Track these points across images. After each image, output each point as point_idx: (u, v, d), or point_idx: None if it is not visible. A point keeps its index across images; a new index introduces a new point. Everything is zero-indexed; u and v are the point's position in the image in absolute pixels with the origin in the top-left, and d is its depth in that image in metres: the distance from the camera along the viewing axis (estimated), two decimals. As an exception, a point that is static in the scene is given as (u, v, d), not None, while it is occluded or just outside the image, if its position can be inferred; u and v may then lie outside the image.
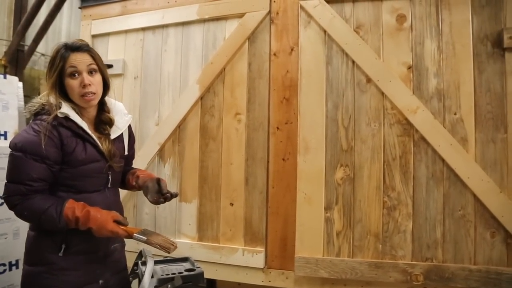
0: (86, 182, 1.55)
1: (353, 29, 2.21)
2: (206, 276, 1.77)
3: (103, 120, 1.64)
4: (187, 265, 1.77)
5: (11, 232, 2.81)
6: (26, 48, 5.13)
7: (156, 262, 1.72)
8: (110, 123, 1.65)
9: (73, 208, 1.43)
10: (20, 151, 1.42)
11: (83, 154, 1.51)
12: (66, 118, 1.47)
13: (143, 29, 2.71)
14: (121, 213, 1.68)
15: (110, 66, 2.72)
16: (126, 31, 2.76)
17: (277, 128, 2.34)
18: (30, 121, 1.52)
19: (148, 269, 1.66)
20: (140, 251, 1.73)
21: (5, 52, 4.95)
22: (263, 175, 2.34)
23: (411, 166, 2.08)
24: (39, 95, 1.61)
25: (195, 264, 1.78)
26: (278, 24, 2.38)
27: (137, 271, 1.77)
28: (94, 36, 2.83)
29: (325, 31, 2.25)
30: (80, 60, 1.50)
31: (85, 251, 1.53)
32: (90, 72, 1.52)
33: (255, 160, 2.36)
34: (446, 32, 2.08)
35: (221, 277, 2.39)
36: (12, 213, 2.87)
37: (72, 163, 1.49)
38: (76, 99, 1.51)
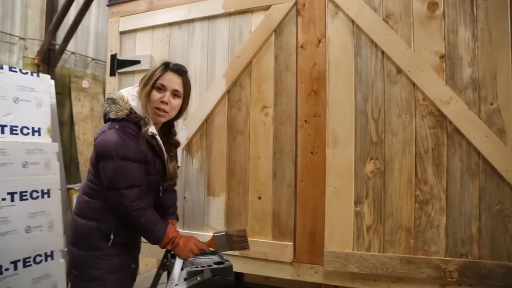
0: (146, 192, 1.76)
1: (382, 19, 2.15)
2: (234, 269, 1.78)
3: (171, 143, 1.89)
4: (216, 258, 1.79)
5: (46, 225, 2.91)
6: (57, 47, 5.29)
7: (186, 255, 1.76)
8: (176, 145, 1.92)
9: (172, 229, 1.76)
10: (124, 158, 1.60)
11: (153, 168, 1.77)
12: (152, 136, 1.71)
13: (170, 24, 2.72)
14: None
15: (137, 62, 2.76)
16: (153, 27, 2.78)
17: (305, 121, 2.31)
18: (114, 125, 1.65)
19: (178, 262, 1.70)
20: (170, 244, 1.79)
21: (38, 51, 5.12)
22: (291, 169, 2.32)
23: (444, 159, 2.01)
24: (107, 97, 1.78)
25: (224, 257, 1.79)
26: (305, 15, 2.34)
27: (167, 263, 1.80)
28: (122, 33, 2.88)
29: (353, 22, 2.20)
30: (171, 80, 1.74)
31: (126, 242, 1.78)
32: (174, 95, 1.75)
33: (283, 154, 2.34)
34: (482, 19, 1.99)
35: (250, 271, 2.39)
36: (46, 206, 2.99)
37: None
38: (149, 110, 1.71)
